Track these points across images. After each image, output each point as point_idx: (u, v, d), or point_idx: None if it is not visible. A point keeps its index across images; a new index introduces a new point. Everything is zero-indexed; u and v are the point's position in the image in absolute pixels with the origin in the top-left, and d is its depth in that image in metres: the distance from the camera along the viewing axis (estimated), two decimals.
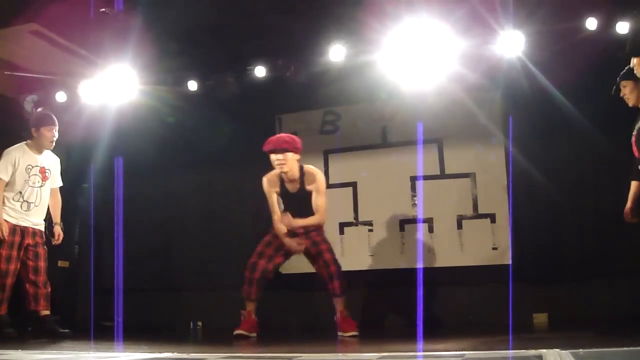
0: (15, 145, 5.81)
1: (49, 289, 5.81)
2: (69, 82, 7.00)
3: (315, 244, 5.71)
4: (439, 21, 5.91)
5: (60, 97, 7.06)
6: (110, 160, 7.19)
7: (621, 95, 4.91)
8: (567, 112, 5.96)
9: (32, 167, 5.80)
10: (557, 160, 6.38)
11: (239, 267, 6.58)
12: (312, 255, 5.75)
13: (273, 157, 5.64)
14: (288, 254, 5.84)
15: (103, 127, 6.87)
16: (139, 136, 7.21)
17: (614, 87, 4.92)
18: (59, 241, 5.97)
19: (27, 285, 5.73)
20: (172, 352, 3.86)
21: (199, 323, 7.21)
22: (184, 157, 7.45)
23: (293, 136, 5.78)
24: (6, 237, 5.58)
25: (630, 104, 4.89)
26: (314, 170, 5.79)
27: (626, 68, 4.82)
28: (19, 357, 3.74)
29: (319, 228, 5.79)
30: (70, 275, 7.11)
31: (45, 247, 5.88)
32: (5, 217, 5.64)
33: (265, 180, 5.79)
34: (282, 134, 5.82)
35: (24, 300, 5.74)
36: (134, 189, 7.23)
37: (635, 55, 4.60)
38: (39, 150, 5.87)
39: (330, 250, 5.74)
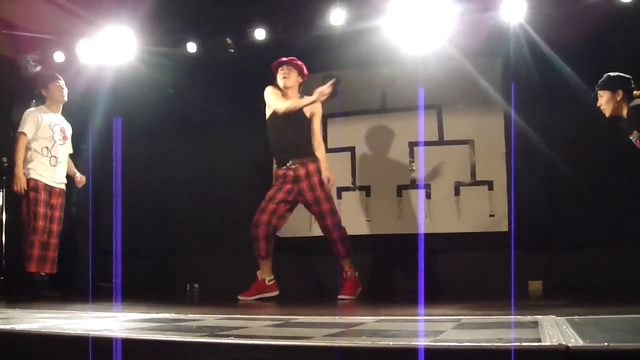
0: (33, 108, 6.04)
1: (57, 253, 5.94)
2: (67, 42, 6.94)
3: (317, 201, 5.71)
4: None
5: (58, 57, 7.00)
6: (109, 121, 7.14)
7: (597, 105, 4.85)
8: (569, 80, 5.92)
9: (55, 124, 5.97)
10: (557, 127, 6.35)
11: (235, 230, 6.62)
12: (314, 212, 5.78)
13: (280, 71, 5.80)
14: (292, 206, 5.86)
15: (101, 88, 6.81)
16: (137, 97, 7.17)
17: (593, 94, 4.89)
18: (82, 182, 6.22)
19: None
20: (170, 313, 3.87)
21: (196, 285, 7.23)
22: (182, 119, 7.44)
23: (302, 64, 5.88)
24: (21, 191, 5.70)
25: (607, 114, 4.82)
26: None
27: (604, 76, 4.78)
28: (16, 315, 3.76)
29: (320, 173, 5.79)
30: (67, 236, 7.12)
31: (62, 210, 6.03)
32: (36, 176, 5.77)
33: (269, 88, 5.84)
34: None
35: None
36: (131, 150, 7.19)
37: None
38: (55, 108, 6.04)
39: (332, 212, 5.73)
